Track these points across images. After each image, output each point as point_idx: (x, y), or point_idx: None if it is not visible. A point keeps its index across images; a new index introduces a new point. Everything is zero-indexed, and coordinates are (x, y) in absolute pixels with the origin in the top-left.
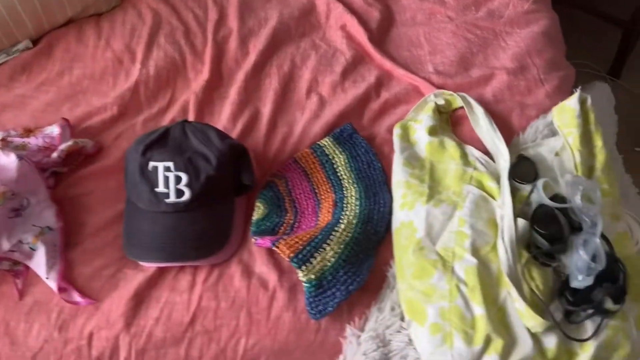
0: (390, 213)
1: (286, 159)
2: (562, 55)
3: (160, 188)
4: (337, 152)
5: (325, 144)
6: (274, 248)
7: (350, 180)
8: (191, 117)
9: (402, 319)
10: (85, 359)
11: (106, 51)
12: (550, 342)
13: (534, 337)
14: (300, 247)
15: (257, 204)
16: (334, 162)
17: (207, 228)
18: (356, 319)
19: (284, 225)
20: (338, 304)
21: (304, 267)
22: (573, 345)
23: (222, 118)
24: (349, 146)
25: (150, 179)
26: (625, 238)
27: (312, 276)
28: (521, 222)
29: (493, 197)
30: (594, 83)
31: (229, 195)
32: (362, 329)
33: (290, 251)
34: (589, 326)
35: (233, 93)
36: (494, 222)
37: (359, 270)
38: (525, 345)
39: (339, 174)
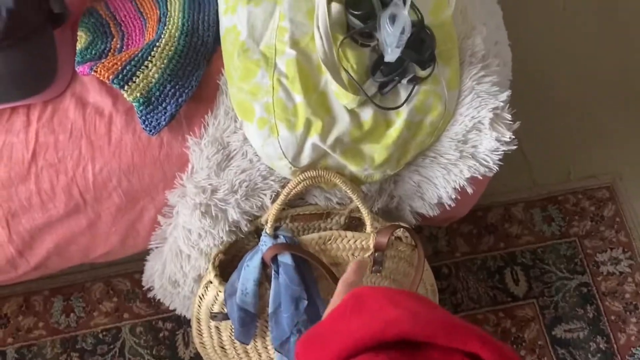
0: (216, 22)
1: None
2: None
3: None
4: None
5: None
6: (93, 73)
7: None
8: None
9: (236, 120)
10: None
11: None
12: (367, 115)
13: (352, 113)
14: (119, 67)
15: (79, 33)
16: None
17: (26, 65)
18: (195, 129)
19: (111, 50)
20: (171, 117)
21: (126, 87)
22: (389, 114)
23: None
24: None
25: None
26: (442, 6)
27: (138, 94)
28: (335, 6)
29: None
30: None
31: (43, 28)
32: (202, 137)
33: (109, 73)
34: (403, 95)
35: None
36: (314, 12)
37: (188, 82)
38: (343, 121)
39: None
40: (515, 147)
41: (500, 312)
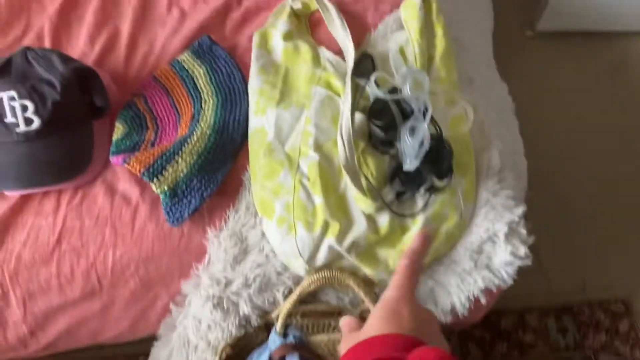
0: (246, 121)
1: (147, 76)
2: None
3: (9, 118)
4: (196, 65)
5: (185, 58)
6: (126, 165)
7: (209, 93)
8: (47, 44)
9: (257, 216)
10: None
11: None
12: (383, 220)
13: (369, 218)
14: (151, 161)
15: (117, 124)
16: (193, 76)
17: (63, 153)
18: (216, 221)
19: (145, 142)
20: (194, 210)
21: (155, 180)
22: (405, 220)
23: (80, 41)
24: (209, 58)
25: None
26: (460, 120)
27: (165, 187)
28: (358, 115)
29: (339, 96)
30: None
31: (83, 119)
32: (222, 230)
33: (141, 166)
34: (420, 203)
35: (90, 13)
36: (338, 119)
37: (214, 177)
38: (360, 225)
39: (199, 88)
40: (530, 263)
41: None
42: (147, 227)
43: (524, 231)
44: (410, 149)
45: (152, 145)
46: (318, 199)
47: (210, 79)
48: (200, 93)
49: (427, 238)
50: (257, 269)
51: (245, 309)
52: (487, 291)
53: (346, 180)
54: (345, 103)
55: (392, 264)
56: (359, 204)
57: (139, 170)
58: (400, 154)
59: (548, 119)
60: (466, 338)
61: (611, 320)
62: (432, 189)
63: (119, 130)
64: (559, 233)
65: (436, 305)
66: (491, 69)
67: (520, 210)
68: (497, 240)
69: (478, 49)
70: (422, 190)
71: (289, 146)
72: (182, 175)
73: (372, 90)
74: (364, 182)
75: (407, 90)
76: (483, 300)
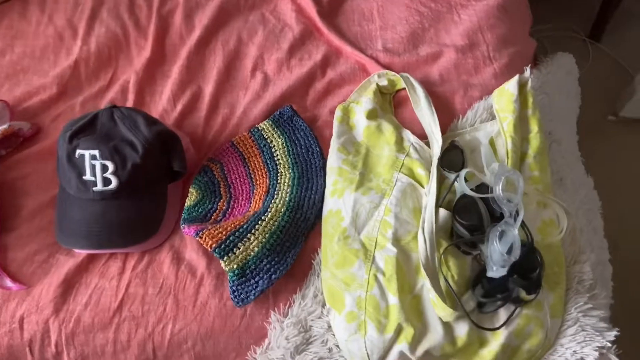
0: (321, 200)
1: (225, 141)
2: (522, 28)
3: (88, 176)
4: (275, 135)
5: (264, 127)
6: (198, 239)
7: (286, 166)
8: (131, 97)
9: (324, 305)
10: (17, 340)
11: (48, 27)
12: (462, 330)
13: (446, 325)
14: (224, 237)
15: (191, 190)
16: (271, 145)
17: (135, 216)
18: (281, 304)
19: (217, 211)
20: (260, 292)
21: (226, 258)
22: (485, 332)
23: (163, 98)
24: (289, 129)
25: (77, 166)
26: (551, 225)
27: (235, 266)
28: (443, 212)
29: (422, 185)
30: (557, 54)
31: (159, 182)
32: (286, 315)
33: (213, 242)
34: (503, 314)
35: (175, 71)
36: (419, 211)
37: (284, 259)
38: (435, 333)
39: (276, 159)
40: None
41: None
42: (210, 303)
43: (615, 359)
44: (498, 255)
45: (224, 215)
46: (393, 299)
47: (289, 150)
48: (277, 165)
49: None
50: None
51: None
52: None
53: (425, 282)
54: (429, 196)
55: None
56: (438, 310)
57: (211, 246)
58: (485, 257)
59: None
60: None
61: None
62: (517, 301)
63: (192, 196)
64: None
65: None
66: (578, 163)
67: (612, 334)
68: None
69: (567, 142)
70: (499, 303)
71: (365, 235)
72: (252, 254)
73: (461, 186)
74: (442, 284)
75: (499, 191)
76: None
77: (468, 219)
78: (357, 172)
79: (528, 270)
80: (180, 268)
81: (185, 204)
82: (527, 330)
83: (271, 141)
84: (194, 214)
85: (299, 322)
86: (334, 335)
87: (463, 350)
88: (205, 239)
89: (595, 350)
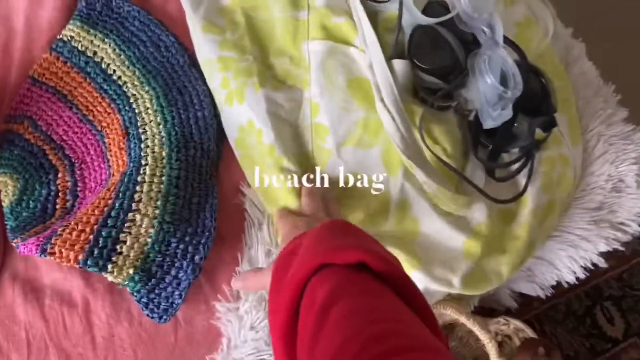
0: (213, 115)
1: (18, 81)
2: None
3: None
4: (96, 41)
5: (72, 33)
6: (48, 257)
7: (136, 83)
8: None
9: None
10: None
11: None
12: (480, 215)
13: (450, 224)
14: (90, 237)
15: (1, 178)
16: (97, 59)
17: None
18: (223, 287)
19: (60, 194)
20: (188, 287)
21: (110, 266)
22: (508, 206)
23: None
24: (113, 24)
25: None
26: (529, 27)
27: (130, 270)
28: (398, 63)
29: (349, 43)
30: None
31: None
32: (237, 297)
33: (77, 252)
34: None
35: None
36: (362, 83)
37: (200, 223)
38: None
39: (114, 77)
40: None
41: None
42: (117, 332)
43: None
44: (493, 92)
45: (74, 195)
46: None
47: (129, 58)
48: (120, 86)
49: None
50: None
51: None
52: (609, 254)
53: (406, 173)
54: (370, 49)
55: (505, 273)
56: (443, 205)
57: (76, 260)
58: (477, 105)
59: None
60: None
61: None
62: (531, 146)
63: (8, 187)
64: None
65: (533, 282)
66: None
67: None
68: (624, 188)
69: None
70: (517, 156)
71: (300, 154)
72: (149, 240)
73: (411, 14)
74: (435, 165)
75: (464, 3)
76: (603, 266)
77: (433, 59)
78: (249, 57)
79: (531, 99)
80: (44, 302)
81: (3, 204)
82: (554, 175)
83: (94, 52)
84: (24, 213)
85: (262, 298)
86: None
87: (488, 242)
88: (60, 251)
89: (633, 164)
